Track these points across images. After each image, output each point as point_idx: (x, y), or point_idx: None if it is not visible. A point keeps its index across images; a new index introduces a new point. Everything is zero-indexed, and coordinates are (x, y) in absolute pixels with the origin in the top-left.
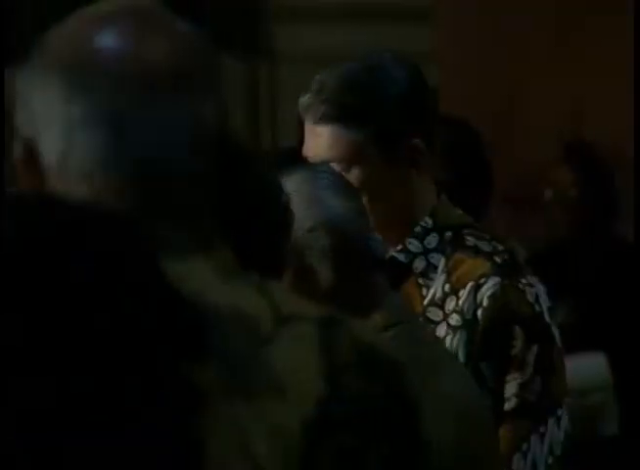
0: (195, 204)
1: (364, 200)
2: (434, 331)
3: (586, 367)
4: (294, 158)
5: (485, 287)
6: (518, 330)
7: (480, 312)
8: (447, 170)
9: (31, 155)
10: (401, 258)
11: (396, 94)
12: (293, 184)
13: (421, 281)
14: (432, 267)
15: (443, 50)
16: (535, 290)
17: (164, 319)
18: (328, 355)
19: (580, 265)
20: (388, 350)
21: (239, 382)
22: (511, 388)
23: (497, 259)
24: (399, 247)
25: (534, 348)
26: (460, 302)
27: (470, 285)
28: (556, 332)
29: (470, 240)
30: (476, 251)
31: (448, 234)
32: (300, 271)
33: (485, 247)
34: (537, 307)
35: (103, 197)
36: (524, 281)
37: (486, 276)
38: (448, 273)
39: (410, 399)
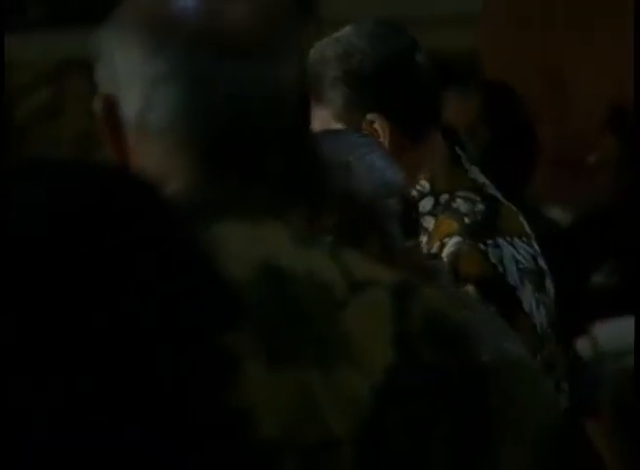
0: (273, 164)
1: None
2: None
3: (623, 330)
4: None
5: (447, 247)
6: (472, 290)
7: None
8: (488, 134)
9: (112, 110)
10: None
11: (353, 70)
12: (345, 148)
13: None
14: (423, 230)
15: (490, 13)
16: (501, 251)
17: (193, 288)
18: (399, 323)
19: (622, 229)
20: (460, 317)
21: (308, 347)
22: None
23: (466, 220)
24: None
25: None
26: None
27: (436, 245)
28: (527, 296)
29: (458, 202)
30: (455, 212)
31: (444, 197)
32: (372, 237)
33: (464, 208)
34: (500, 269)
35: (177, 152)
36: (489, 242)
37: (450, 236)
38: (429, 235)
39: (479, 368)
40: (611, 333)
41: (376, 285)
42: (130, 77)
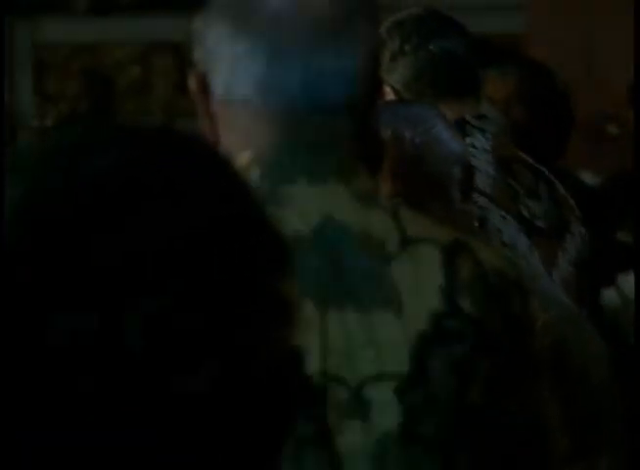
0: (346, 133)
1: None
2: None
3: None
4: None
5: None
6: None
7: None
8: (523, 110)
9: (204, 86)
10: None
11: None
12: (413, 119)
13: None
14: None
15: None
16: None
17: (249, 239)
18: (448, 276)
19: None
20: (511, 274)
21: (357, 294)
22: None
23: None
24: None
25: None
26: None
27: None
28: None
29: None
30: None
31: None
32: (436, 202)
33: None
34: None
35: (258, 120)
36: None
37: None
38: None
39: (526, 318)
40: (634, 283)
41: (429, 242)
42: (219, 56)
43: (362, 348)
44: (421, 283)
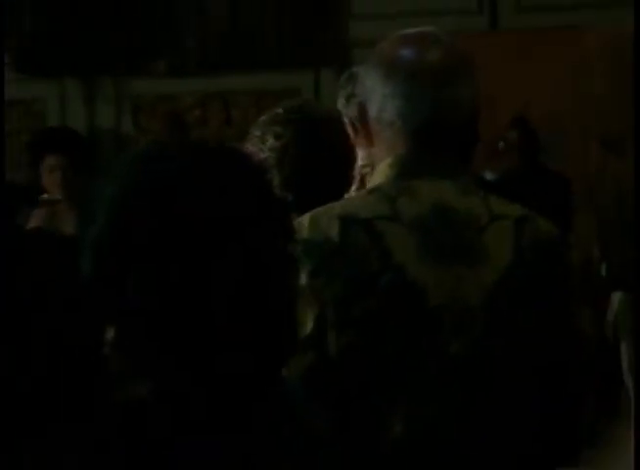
0: (454, 146)
1: None
2: None
3: None
4: None
5: None
6: None
7: None
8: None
9: (362, 110)
10: None
11: None
12: None
13: None
14: None
15: None
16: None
17: (264, 209)
18: (517, 240)
19: (523, 188)
20: (557, 236)
21: (461, 252)
22: None
23: None
24: None
25: None
26: None
27: None
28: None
29: None
30: None
31: None
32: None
33: None
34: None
35: (401, 136)
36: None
37: None
38: None
39: (566, 265)
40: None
41: (506, 218)
42: (374, 93)
43: (462, 288)
44: (501, 245)
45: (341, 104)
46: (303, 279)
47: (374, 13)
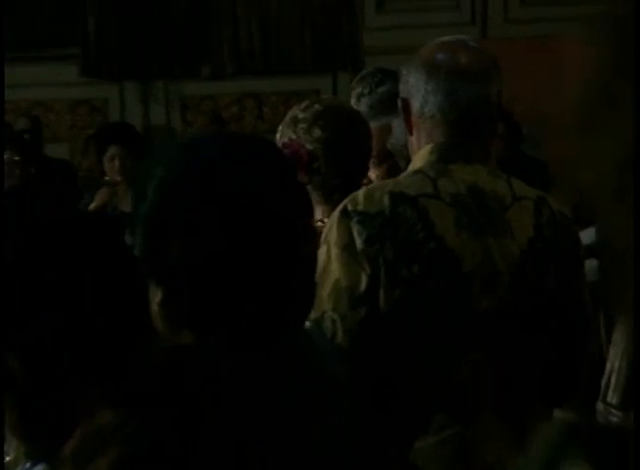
0: (484, 135)
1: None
2: None
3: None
4: None
5: None
6: None
7: None
8: None
9: (406, 105)
10: None
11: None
12: None
13: None
14: None
15: None
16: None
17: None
18: (537, 218)
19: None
20: (567, 216)
21: (489, 226)
22: None
23: None
24: None
25: None
26: None
27: None
28: None
29: None
30: None
31: None
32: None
33: None
34: None
35: (440, 126)
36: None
37: None
38: None
39: (576, 240)
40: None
41: (527, 198)
42: (416, 91)
43: (491, 256)
44: (523, 222)
45: (352, 102)
46: (359, 245)
47: (382, 26)
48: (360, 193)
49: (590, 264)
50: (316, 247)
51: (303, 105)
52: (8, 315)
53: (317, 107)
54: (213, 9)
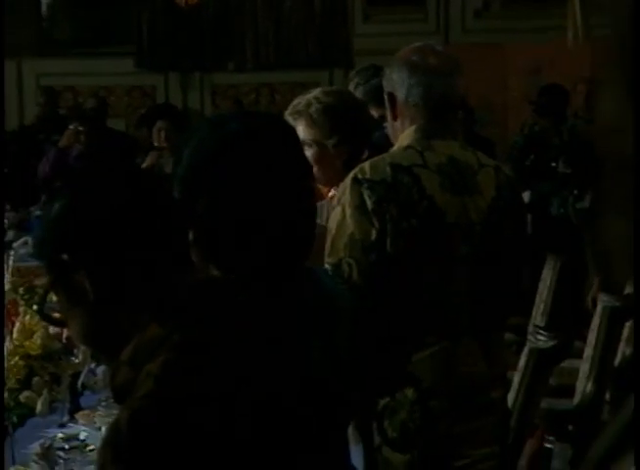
0: (453, 118)
1: None
2: None
3: None
4: None
5: None
6: None
7: None
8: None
9: (392, 98)
10: None
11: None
12: None
13: None
14: None
15: None
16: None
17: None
18: (497, 180)
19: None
20: (513, 178)
21: (463, 187)
22: None
23: None
24: None
25: None
26: None
27: None
28: None
29: None
30: None
31: None
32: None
33: None
34: None
35: (422, 111)
36: None
37: None
38: None
39: (520, 195)
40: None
41: (488, 166)
42: (400, 85)
43: (466, 209)
44: (487, 184)
45: (350, 89)
46: (370, 205)
47: (368, 33)
48: (366, 164)
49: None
50: (314, 202)
51: (315, 93)
52: (86, 240)
53: (342, 90)
54: (238, 17)
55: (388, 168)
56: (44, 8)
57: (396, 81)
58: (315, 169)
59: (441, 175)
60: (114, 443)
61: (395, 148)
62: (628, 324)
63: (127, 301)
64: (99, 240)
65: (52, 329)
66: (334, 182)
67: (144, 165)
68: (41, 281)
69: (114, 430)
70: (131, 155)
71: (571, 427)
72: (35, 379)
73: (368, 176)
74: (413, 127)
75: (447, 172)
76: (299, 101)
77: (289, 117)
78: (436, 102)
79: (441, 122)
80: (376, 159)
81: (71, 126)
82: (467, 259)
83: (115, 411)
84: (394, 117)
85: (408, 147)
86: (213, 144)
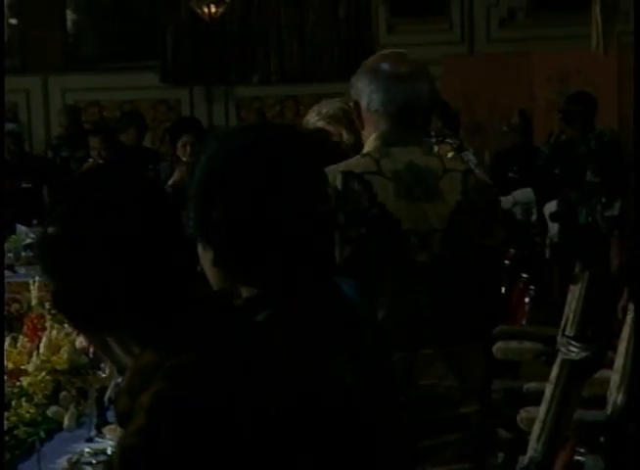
0: (419, 123)
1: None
2: None
3: (525, 193)
4: None
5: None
6: None
7: None
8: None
9: (357, 105)
10: None
11: None
12: None
13: None
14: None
15: None
16: None
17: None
18: (464, 185)
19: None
20: (487, 183)
21: (424, 193)
22: None
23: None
24: None
25: None
26: None
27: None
28: None
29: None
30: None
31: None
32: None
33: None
34: None
35: (383, 118)
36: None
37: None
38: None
39: (496, 201)
40: (520, 194)
41: (455, 170)
42: (364, 92)
43: (426, 217)
44: (452, 189)
45: None
46: None
47: (392, 44)
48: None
49: (553, 228)
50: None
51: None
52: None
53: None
54: (262, 30)
55: (339, 176)
56: (70, 24)
57: (360, 89)
58: None
59: (397, 182)
60: None
61: (356, 156)
62: None
63: (127, 320)
64: (90, 266)
65: (79, 343)
66: None
67: (173, 180)
68: None
69: (109, 468)
70: (142, 166)
71: (602, 438)
72: (62, 394)
73: None
74: (374, 134)
75: (404, 179)
76: (326, 109)
77: (319, 123)
78: (397, 108)
79: (403, 128)
80: (332, 166)
81: (91, 141)
82: (426, 267)
83: None
84: (362, 126)
85: (365, 154)
86: (223, 159)
